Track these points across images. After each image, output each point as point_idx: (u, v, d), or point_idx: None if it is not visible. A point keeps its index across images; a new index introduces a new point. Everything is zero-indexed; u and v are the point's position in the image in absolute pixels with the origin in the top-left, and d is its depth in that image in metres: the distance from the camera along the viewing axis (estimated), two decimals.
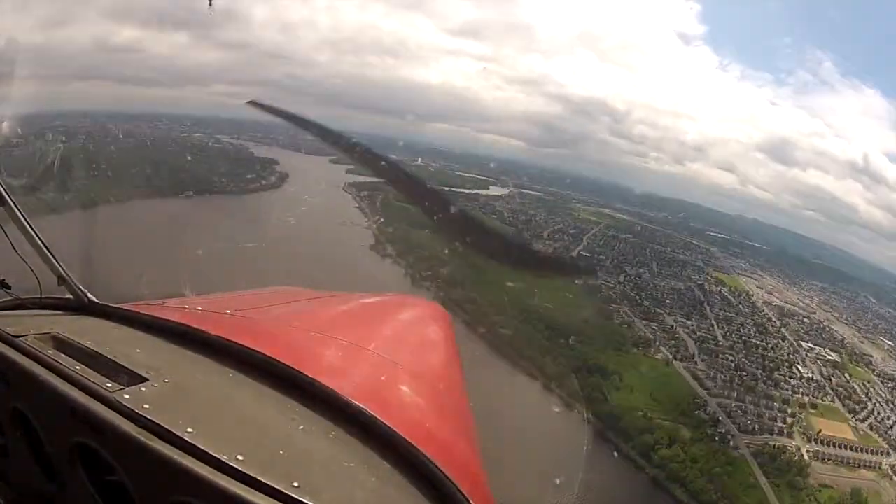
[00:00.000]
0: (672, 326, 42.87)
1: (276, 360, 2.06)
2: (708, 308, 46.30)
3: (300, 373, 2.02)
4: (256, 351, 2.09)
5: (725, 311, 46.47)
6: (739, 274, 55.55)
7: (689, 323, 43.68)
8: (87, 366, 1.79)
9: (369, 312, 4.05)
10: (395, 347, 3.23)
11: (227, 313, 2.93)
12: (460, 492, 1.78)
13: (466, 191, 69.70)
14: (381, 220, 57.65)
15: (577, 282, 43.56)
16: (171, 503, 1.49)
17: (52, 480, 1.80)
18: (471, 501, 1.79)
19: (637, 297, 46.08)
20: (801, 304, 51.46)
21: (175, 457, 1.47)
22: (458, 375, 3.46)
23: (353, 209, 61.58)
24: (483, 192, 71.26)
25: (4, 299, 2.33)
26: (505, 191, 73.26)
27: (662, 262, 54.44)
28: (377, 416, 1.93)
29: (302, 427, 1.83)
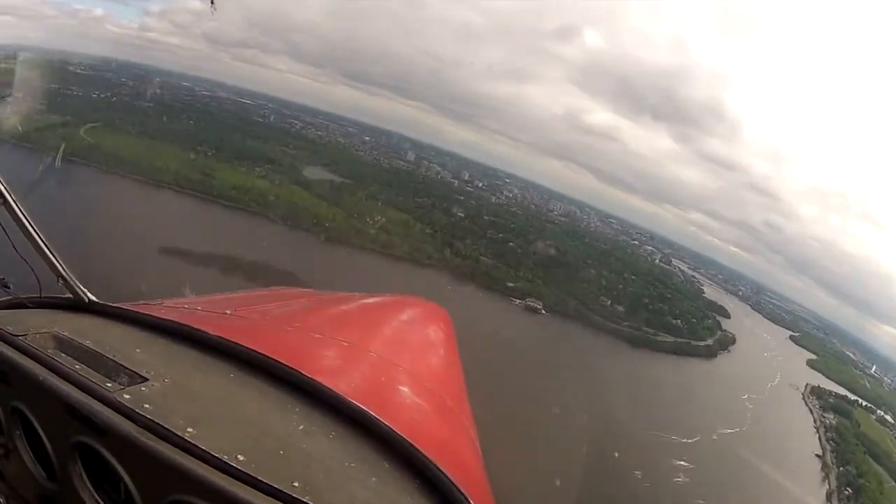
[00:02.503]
0: None
1: (276, 360, 2.06)
2: None
3: (300, 373, 2.02)
4: (256, 351, 2.09)
5: None
6: None
7: None
8: (87, 365, 1.79)
9: (370, 313, 4.05)
10: (396, 348, 3.24)
11: (227, 313, 2.93)
12: (460, 492, 1.78)
13: None
14: None
15: None
16: (170, 503, 1.48)
17: (53, 479, 1.80)
18: (471, 501, 1.79)
19: None
20: None
21: (175, 456, 1.47)
22: (458, 375, 3.46)
23: (808, 454, 32.83)
24: None
25: (4, 298, 2.33)
26: None
27: None
28: (377, 416, 1.93)
29: (302, 427, 1.83)
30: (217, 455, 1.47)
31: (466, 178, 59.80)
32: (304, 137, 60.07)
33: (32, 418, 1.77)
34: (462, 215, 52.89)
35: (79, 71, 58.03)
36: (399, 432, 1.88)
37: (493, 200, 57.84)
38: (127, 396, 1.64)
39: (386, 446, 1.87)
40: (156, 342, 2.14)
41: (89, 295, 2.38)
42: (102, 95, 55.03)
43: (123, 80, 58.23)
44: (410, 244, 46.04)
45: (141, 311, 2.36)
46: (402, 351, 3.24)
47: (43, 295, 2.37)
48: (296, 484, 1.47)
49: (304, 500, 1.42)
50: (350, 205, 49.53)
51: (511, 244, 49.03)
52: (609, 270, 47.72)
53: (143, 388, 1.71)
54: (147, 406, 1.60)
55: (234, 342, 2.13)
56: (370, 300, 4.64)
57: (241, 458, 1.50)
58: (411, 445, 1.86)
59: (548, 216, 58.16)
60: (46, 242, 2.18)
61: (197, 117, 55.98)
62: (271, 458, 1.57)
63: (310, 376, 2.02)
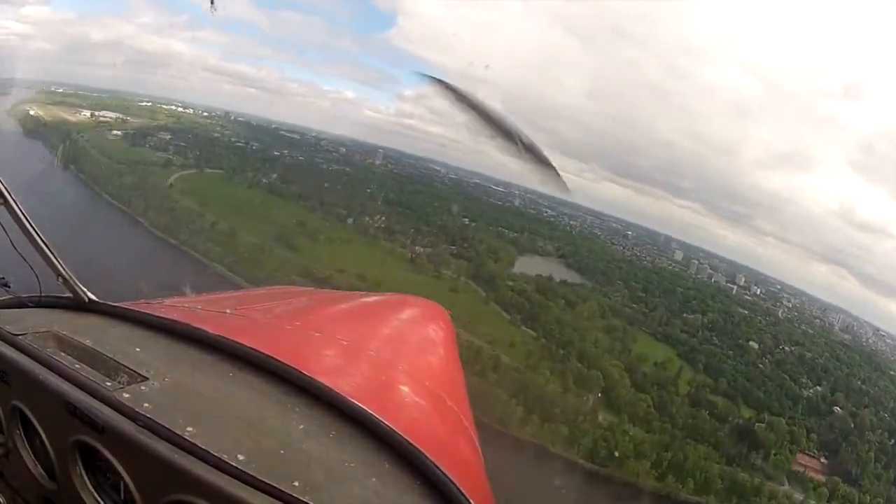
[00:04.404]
0: None
1: (276, 359, 2.06)
2: None
3: (300, 372, 2.02)
4: (257, 350, 2.09)
5: None
6: None
7: None
8: (87, 364, 1.79)
9: (370, 312, 4.05)
10: (396, 347, 3.23)
11: (227, 312, 2.93)
12: (460, 492, 1.78)
13: None
14: None
15: None
16: (170, 502, 1.49)
17: (53, 479, 1.80)
18: (471, 501, 1.79)
19: None
20: None
21: (175, 456, 1.47)
22: (459, 375, 3.46)
23: None
24: None
25: (4, 297, 2.33)
26: None
27: None
28: (377, 415, 1.92)
29: (302, 427, 1.83)
30: (217, 454, 1.47)
31: (742, 283, 45.30)
32: (547, 223, 47.24)
33: (32, 417, 1.77)
34: (756, 346, 33.36)
35: (286, 134, 56.18)
36: (399, 431, 1.88)
37: (781, 315, 41.36)
38: (127, 395, 1.64)
39: (386, 446, 1.87)
40: (156, 341, 2.14)
41: (89, 294, 2.38)
42: (284, 153, 50.75)
43: (342, 149, 53.06)
44: (674, 430, 23.94)
45: (141, 310, 2.36)
46: (402, 350, 3.23)
47: (43, 294, 2.36)
48: (296, 483, 1.47)
49: (304, 499, 1.42)
50: (565, 322, 28.30)
51: (840, 411, 28.30)
52: None
53: (142, 388, 1.72)
54: (147, 405, 1.60)
55: (234, 341, 2.13)
56: (370, 299, 4.64)
57: (241, 457, 1.50)
58: (411, 445, 1.85)
59: (832, 332, 41.82)
60: (46, 242, 2.18)
61: (395, 187, 46.04)
62: (271, 458, 1.58)
63: (310, 375, 2.02)
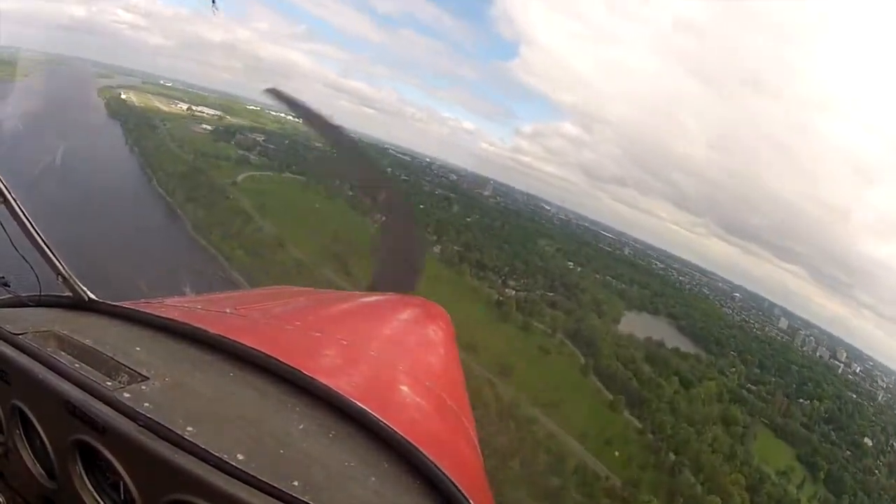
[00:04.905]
0: None
1: (276, 359, 2.06)
2: None
3: (300, 372, 2.02)
4: (257, 350, 2.09)
5: None
6: None
7: None
8: (86, 364, 1.79)
9: (369, 312, 4.05)
10: (396, 347, 3.23)
11: (227, 312, 2.92)
12: (460, 492, 1.78)
13: None
14: None
15: None
16: (170, 502, 1.49)
17: (52, 478, 1.80)
18: (471, 501, 1.79)
19: None
20: None
21: (175, 456, 1.47)
22: (458, 375, 3.46)
23: None
24: None
25: (4, 297, 2.32)
26: None
27: None
28: (377, 415, 1.92)
29: (302, 426, 1.82)
30: (217, 454, 1.47)
31: (844, 359, 43.23)
32: (657, 276, 44.33)
33: (32, 417, 1.77)
34: (870, 443, 29.93)
35: (396, 154, 57.61)
36: (399, 431, 1.88)
37: (881, 400, 37.91)
38: (127, 395, 1.64)
39: (385, 445, 1.87)
40: (156, 341, 2.14)
41: (89, 293, 2.37)
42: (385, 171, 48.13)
43: (452, 176, 53.21)
44: None
45: (141, 309, 2.35)
46: (401, 350, 3.23)
47: (43, 293, 2.36)
48: (295, 483, 1.47)
49: (304, 499, 1.42)
50: (679, 409, 22.21)
51: None
52: None
53: (143, 387, 1.71)
54: (147, 405, 1.60)
55: (234, 340, 2.12)
56: (370, 299, 4.64)
57: (240, 457, 1.50)
58: (411, 444, 1.85)
59: None
60: (46, 241, 2.18)
61: (499, 219, 44.67)
62: (271, 458, 1.58)
63: (310, 375, 2.02)
